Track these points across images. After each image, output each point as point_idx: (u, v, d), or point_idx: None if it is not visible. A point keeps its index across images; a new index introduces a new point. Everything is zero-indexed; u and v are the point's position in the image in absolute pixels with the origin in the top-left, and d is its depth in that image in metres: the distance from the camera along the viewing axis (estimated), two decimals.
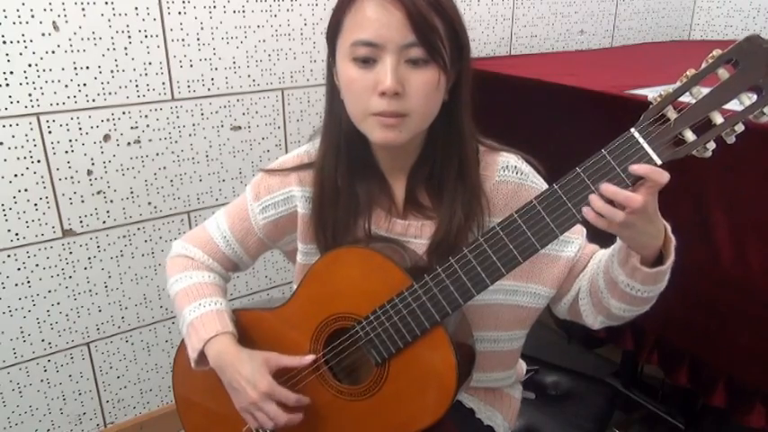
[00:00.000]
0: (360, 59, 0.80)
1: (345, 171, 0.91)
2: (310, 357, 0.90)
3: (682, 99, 0.69)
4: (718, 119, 0.68)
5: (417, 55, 0.79)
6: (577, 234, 0.94)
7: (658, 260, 0.79)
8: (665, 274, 0.80)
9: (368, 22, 0.79)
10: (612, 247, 0.85)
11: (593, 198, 0.71)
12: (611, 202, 0.71)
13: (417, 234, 0.93)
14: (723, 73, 0.66)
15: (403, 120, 0.82)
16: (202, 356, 0.94)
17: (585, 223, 0.75)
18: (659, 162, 0.69)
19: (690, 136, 0.68)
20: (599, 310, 0.90)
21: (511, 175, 0.92)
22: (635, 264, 0.78)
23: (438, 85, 0.82)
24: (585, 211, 0.72)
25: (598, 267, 0.89)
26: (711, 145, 0.69)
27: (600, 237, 0.86)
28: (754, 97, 0.66)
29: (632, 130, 0.70)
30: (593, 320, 0.93)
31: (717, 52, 0.66)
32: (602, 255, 0.91)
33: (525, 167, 0.93)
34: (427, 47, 0.79)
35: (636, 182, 0.71)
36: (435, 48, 0.79)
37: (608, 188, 0.70)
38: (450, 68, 0.82)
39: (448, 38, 0.80)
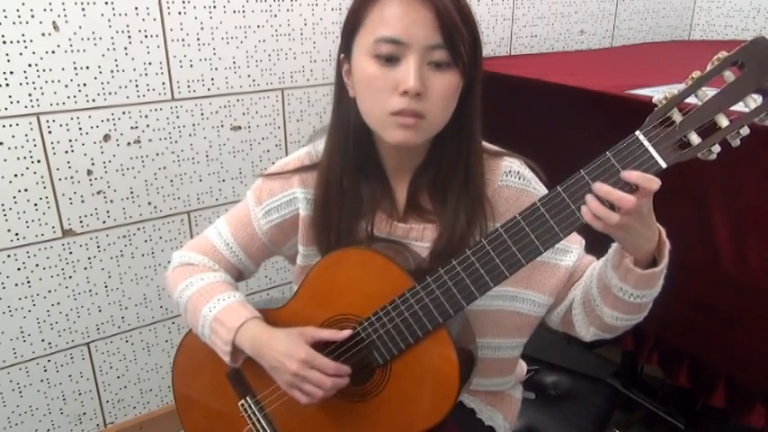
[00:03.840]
0: (382, 57, 0.79)
1: (352, 172, 0.90)
2: (347, 332, 0.87)
3: (687, 101, 0.68)
4: (723, 122, 0.67)
5: (441, 58, 0.79)
6: (576, 243, 0.94)
7: (652, 264, 0.79)
8: (658, 277, 0.79)
9: (395, 18, 0.77)
10: (607, 253, 0.84)
11: (589, 198, 0.71)
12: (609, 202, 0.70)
13: (419, 237, 0.93)
14: (729, 75, 0.66)
15: (420, 121, 0.81)
16: (235, 349, 0.90)
17: (585, 230, 0.74)
18: (664, 165, 0.69)
19: (695, 139, 0.68)
20: (591, 320, 0.90)
21: (513, 181, 0.92)
22: (628, 265, 0.78)
23: (457, 89, 0.82)
24: (584, 211, 0.71)
25: (592, 275, 0.89)
26: (716, 148, 0.68)
27: (598, 244, 0.86)
28: (760, 100, 0.66)
29: (637, 132, 0.70)
30: (586, 331, 0.92)
31: (722, 54, 0.66)
32: (596, 265, 0.91)
33: (528, 173, 0.93)
34: (452, 50, 0.78)
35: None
36: (459, 52, 0.79)
37: (601, 187, 0.70)
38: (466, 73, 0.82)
39: (468, 43, 0.80)
